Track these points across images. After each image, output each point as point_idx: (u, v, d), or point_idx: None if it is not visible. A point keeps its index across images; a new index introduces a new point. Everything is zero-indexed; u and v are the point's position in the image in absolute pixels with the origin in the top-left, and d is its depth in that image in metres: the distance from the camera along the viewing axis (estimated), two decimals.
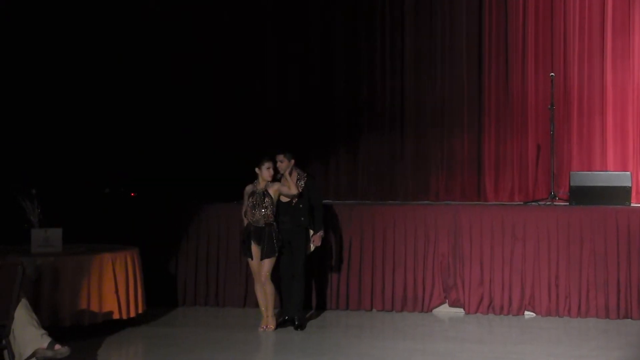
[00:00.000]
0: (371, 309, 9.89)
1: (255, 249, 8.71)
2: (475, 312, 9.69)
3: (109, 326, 8.55)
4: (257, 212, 8.72)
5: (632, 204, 9.88)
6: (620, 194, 9.82)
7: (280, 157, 9.03)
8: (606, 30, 11.34)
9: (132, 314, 8.79)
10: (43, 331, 6.54)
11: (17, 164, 10.65)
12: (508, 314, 9.61)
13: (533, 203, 10.63)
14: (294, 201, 8.95)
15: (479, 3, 11.79)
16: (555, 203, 10.38)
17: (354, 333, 8.84)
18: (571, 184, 10.06)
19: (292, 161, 9.04)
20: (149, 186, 11.78)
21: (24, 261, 6.94)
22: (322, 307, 10.02)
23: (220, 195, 11.19)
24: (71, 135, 11.68)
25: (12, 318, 6.37)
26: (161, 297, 10.02)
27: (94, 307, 8.33)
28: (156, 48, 12.13)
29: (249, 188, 8.87)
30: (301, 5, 12.29)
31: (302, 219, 9.00)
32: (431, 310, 9.81)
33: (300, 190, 8.94)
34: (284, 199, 8.94)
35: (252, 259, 8.76)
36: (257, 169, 8.83)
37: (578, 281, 9.39)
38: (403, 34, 12.06)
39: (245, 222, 8.84)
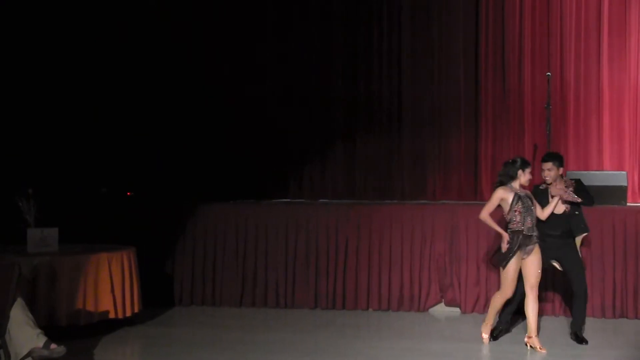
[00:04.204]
0: (367, 309, 9.88)
1: (518, 257, 7.85)
2: (472, 312, 9.69)
3: (105, 326, 8.53)
4: (530, 219, 7.83)
5: (628, 204, 9.89)
6: (616, 194, 9.82)
7: (549, 165, 8.21)
8: (602, 30, 11.38)
9: (128, 314, 8.78)
10: (39, 330, 6.52)
11: (13, 164, 10.64)
12: None
13: None
14: (567, 210, 8.20)
15: (475, 3, 11.80)
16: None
17: (351, 333, 8.83)
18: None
19: (561, 169, 8.29)
20: (146, 185, 11.79)
21: (20, 260, 6.95)
22: (318, 307, 10.01)
23: (217, 194, 11.23)
24: (68, 134, 11.68)
25: (8, 318, 6.37)
26: (158, 296, 10.00)
27: (90, 307, 8.32)
28: (151, 48, 12.12)
29: (504, 192, 7.87)
30: (300, 4, 12.28)
31: (582, 225, 8.27)
32: (427, 310, 9.81)
33: (574, 199, 8.17)
34: (558, 211, 8.17)
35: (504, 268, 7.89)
36: (520, 171, 7.88)
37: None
38: (400, 33, 12.06)
39: (487, 223, 8.02)
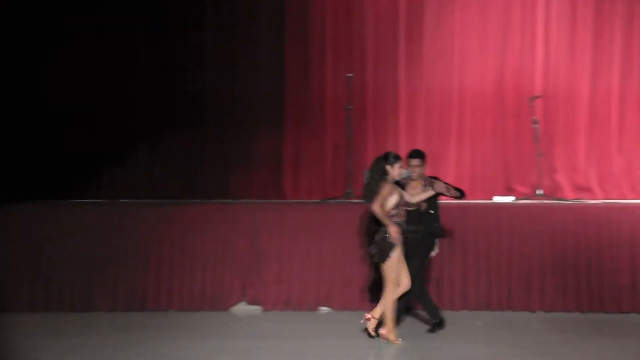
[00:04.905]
0: (168, 309, 9.78)
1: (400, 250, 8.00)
2: (274, 309, 9.78)
3: None
4: (403, 213, 8.04)
5: None
6: None
7: (417, 161, 8.38)
8: (399, 34, 11.85)
9: None
10: None
11: None
12: (305, 309, 9.76)
13: (330, 201, 10.88)
14: (422, 207, 8.36)
15: (280, 5, 11.95)
16: (351, 201, 10.66)
17: (152, 334, 8.66)
18: (365, 182, 10.34)
19: (425, 165, 8.50)
20: None
21: None
22: (116, 309, 9.77)
23: (12, 195, 10.75)
24: None
25: None
26: None
27: None
28: None
29: (392, 187, 7.98)
30: (98, 5, 11.99)
31: (435, 224, 8.48)
32: (229, 309, 9.82)
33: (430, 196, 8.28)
34: (413, 206, 8.29)
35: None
36: (389, 167, 7.98)
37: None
38: (204, 32, 12.06)
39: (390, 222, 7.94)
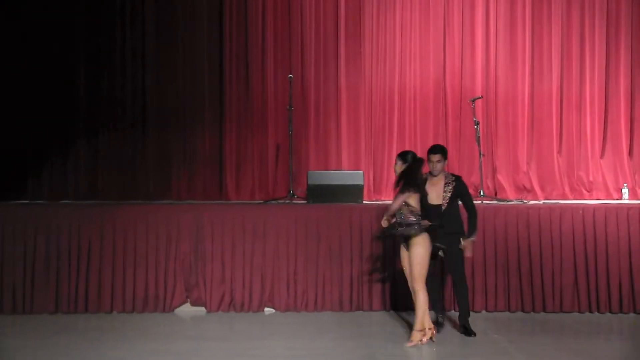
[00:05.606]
0: (111, 311, 9.67)
1: None
2: (217, 310, 9.75)
3: None
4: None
5: (364, 202, 10.35)
6: (353, 192, 10.25)
7: (437, 157, 8.23)
8: (340, 34, 11.90)
9: None
10: None
11: None
12: (249, 310, 9.74)
13: (273, 201, 10.86)
14: (444, 206, 8.26)
15: (219, 5, 11.90)
16: (294, 201, 10.68)
17: (94, 336, 8.58)
18: (308, 183, 10.38)
19: (446, 161, 8.36)
20: None
21: None
22: (59, 311, 9.64)
23: None
24: None
25: None
26: None
27: None
28: None
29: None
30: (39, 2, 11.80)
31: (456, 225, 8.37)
32: (173, 310, 9.76)
33: (450, 195, 8.25)
34: (434, 202, 8.18)
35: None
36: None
37: (315, 276, 9.72)
38: (144, 32, 11.95)
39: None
